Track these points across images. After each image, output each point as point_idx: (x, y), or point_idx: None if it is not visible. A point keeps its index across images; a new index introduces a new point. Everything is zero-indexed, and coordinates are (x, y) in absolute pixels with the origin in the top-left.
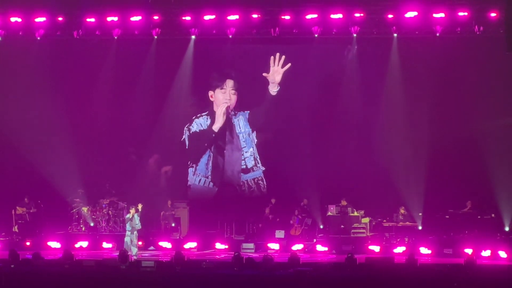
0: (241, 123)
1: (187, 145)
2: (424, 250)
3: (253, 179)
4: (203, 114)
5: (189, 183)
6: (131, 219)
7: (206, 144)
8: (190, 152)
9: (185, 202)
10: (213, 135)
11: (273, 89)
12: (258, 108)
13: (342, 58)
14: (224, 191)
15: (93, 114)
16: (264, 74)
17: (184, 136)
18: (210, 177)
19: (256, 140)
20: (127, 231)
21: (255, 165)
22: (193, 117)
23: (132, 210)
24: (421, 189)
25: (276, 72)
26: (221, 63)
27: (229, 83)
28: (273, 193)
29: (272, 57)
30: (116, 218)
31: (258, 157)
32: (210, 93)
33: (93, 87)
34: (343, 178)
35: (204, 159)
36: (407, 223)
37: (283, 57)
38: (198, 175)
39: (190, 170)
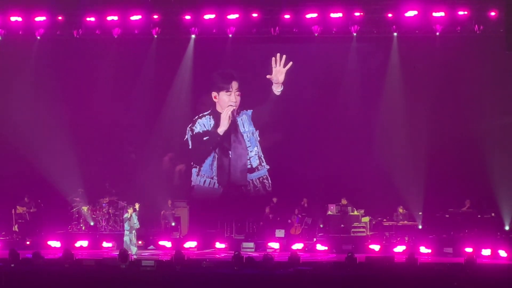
0: (245, 123)
1: (190, 145)
2: (424, 249)
3: (258, 178)
4: (206, 113)
5: (192, 183)
6: (129, 219)
7: (211, 148)
8: (193, 153)
9: (185, 201)
10: (219, 138)
11: (277, 89)
12: (261, 107)
13: (343, 58)
14: (229, 192)
15: (93, 113)
16: (268, 76)
17: (186, 136)
18: (215, 177)
19: (259, 139)
20: (125, 231)
21: (260, 164)
22: (195, 117)
23: (130, 210)
24: (421, 188)
25: (278, 72)
26: (221, 62)
27: (235, 85)
28: (277, 192)
29: (273, 58)
30: (116, 218)
31: (263, 155)
32: (214, 94)
33: (93, 86)
34: (344, 177)
35: (208, 160)
36: (406, 222)
37: (284, 56)
38: (203, 176)
39: (194, 170)
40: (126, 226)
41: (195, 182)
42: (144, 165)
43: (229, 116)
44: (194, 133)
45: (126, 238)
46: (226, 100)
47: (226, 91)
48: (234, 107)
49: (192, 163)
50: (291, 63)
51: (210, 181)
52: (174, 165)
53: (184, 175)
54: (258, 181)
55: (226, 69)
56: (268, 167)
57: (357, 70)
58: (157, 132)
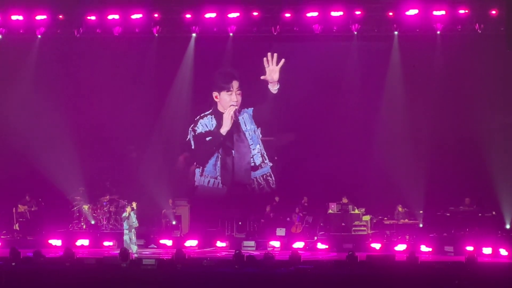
0: (246, 121)
1: (192, 146)
2: (425, 248)
3: (262, 176)
4: (207, 113)
5: (196, 183)
6: (127, 218)
7: (214, 148)
8: (196, 153)
9: (186, 200)
10: (221, 138)
11: (273, 88)
12: (262, 105)
13: (343, 56)
14: (234, 191)
15: (94, 112)
16: (262, 77)
17: (189, 137)
18: (219, 177)
19: (261, 136)
20: (124, 230)
21: (263, 161)
22: (197, 117)
23: (128, 209)
24: (422, 186)
25: (272, 71)
26: (222, 61)
27: (235, 84)
28: (281, 189)
29: (264, 59)
30: (117, 216)
31: (265, 153)
32: (215, 94)
33: (94, 85)
34: (344, 175)
35: (212, 161)
36: (407, 220)
37: (275, 55)
38: (206, 176)
39: (197, 171)
40: (125, 225)
41: (199, 182)
42: (145, 164)
43: (231, 116)
44: (196, 133)
45: (126, 237)
46: (228, 100)
47: (227, 91)
48: (236, 107)
49: (195, 164)
50: (283, 60)
51: (214, 181)
52: (189, 165)
53: (174, 174)
54: (262, 178)
55: (226, 68)
56: (271, 164)
57: (358, 68)
58: (158, 130)
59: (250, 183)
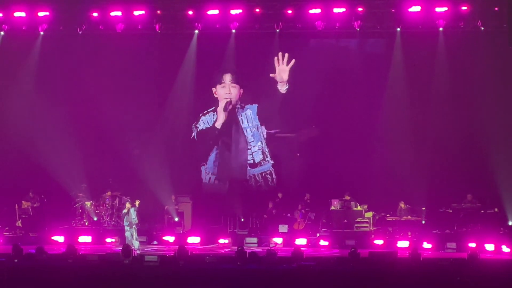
0: (248, 117)
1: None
2: (427, 245)
3: (261, 174)
4: (210, 110)
5: (203, 181)
6: (127, 214)
7: (211, 142)
8: (199, 151)
9: (188, 196)
10: (216, 132)
11: (282, 88)
12: (266, 102)
13: (346, 53)
14: (231, 187)
15: (97, 108)
16: (271, 75)
17: (193, 134)
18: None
19: (266, 132)
20: (125, 226)
21: (263, 159)
22: (200, 114)
23: (128, 205)
24: (425, 183)
25: (282, 70)
26: (224, 57)
27: (227, 77)
28: (281, 187)
29: (275, 58)
30: (119, 213)
31: (267, 150)
32: (214, 89)
33: (96, 81)
34: (347, 172)
35: (212, 157)
36: (409, 217)
37: (287, 54)
38: (208, 173)
39: (203, 168)
40: (124, 221)
41: (204, 179)
42: (147, 160)
43: (224, 109)
44: (198, 130)
45: (127, 234)
46: (222, 94)
47: (219, 84)
48: (228, 99)
49: (201, 161)
50: (293, 61)
51: (215, 178)
52: None
53: (176, 171)
54: (260, 176)
55: (224, 64)
56: (272, 162)
57: (360, 65)
58: (160, 127)
59: (247, 180)
